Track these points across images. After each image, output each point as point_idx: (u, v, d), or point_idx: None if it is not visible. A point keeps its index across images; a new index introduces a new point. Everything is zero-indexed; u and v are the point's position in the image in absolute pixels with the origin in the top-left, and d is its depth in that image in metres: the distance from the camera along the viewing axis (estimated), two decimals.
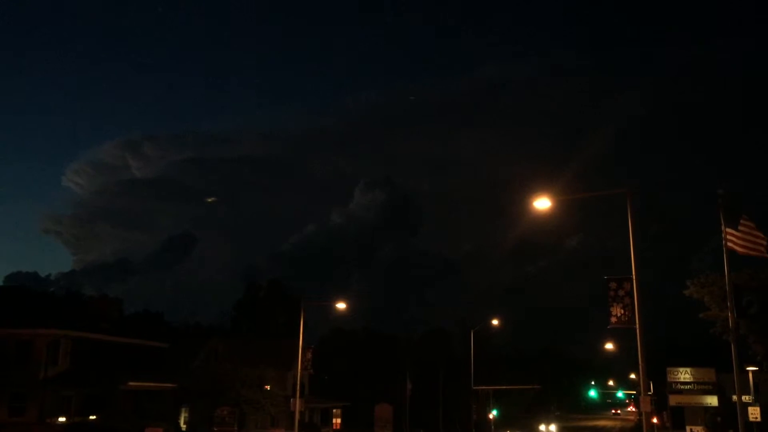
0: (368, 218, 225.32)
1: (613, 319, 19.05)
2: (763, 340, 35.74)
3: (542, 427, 76.50)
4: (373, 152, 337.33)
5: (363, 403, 63.68)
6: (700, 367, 37.08)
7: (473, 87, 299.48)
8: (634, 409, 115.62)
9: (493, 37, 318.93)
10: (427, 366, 75.26)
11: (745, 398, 32.46)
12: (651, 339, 22.17)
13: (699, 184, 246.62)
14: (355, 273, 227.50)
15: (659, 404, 58.95)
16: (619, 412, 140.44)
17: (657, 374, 43.56)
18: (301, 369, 44.23)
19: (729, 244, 20.63)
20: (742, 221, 20.20)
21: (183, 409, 49.80)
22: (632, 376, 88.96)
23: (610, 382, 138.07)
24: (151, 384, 44.40)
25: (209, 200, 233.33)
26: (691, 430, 38.50)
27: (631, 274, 19.05)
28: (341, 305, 43.97)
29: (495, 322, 71.71)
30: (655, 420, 59.47)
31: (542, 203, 19.51)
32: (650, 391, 28.93)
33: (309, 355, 45.45)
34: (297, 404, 43.20)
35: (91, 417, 40.66)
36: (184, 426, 49.64)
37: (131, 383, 41.74)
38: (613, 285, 19.17)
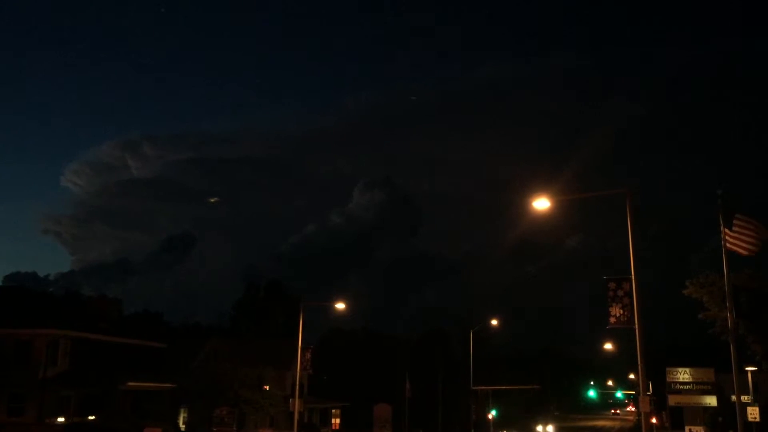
0: (368, 218, 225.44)
1: (612, 320, 19.04)
2: (762, 340, 35.75)
3: (539, 428, 76.46)
4: (373, 152, 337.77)
5: (362, 403, 63.68)
6: (700, 367, 37.03)
7: (473, 87, 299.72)
8: (633, 409, 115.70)
9: (493, 37, 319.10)
10: (426, 366, 75.27)
11: (744, 398, 32.49)
12: (650, 339, 22.17)
13: (699, 184, 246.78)
14: (354, 273, 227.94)
15: (658, 404, 58.97)
16: (618, 412, 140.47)
17: (656, 374, 43.55)
18: (301, 369, 44.21)
19: (728, 244, 20.65)
20: (735, 220, 20.22)
21: (182, 409, 49.81)
22: (631, 376, 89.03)
23: (610, 383, 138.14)
24: (150, 384, 44.40)
25: (211, 200, 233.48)
26: (690, 430, 38.45)
27: (630, 275, 19.04)
28: (340, 305, 44.00)
29: (494, 322, 71.75)
30: (654, 420, 59.49)
31: (541, 203, 19.51)
32: (649, 391, 28.96)
33: (308, 356, 45.39)
34: (296, 404, 43.21)
35: (90, 417, 40.65)
36: (183, 426, 49.63)
37: (130, 383, 41.74)
38: (612, 285, 19.15)
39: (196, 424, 48.77)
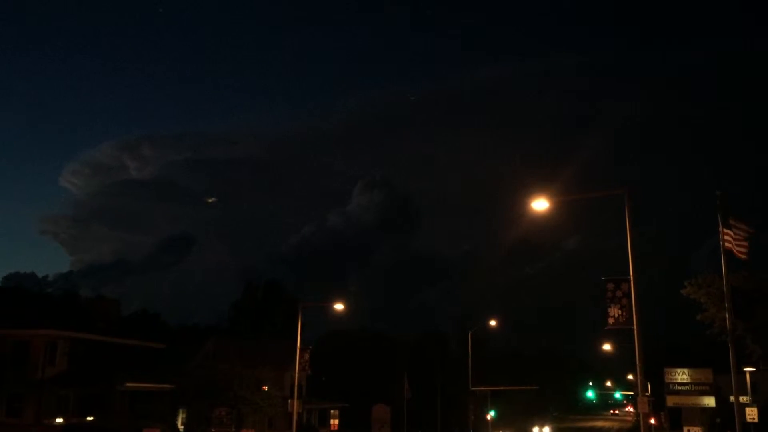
0: (367, 219, 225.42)
1: (611, 320, 19.05)
2: (761, 340, 35.72)
3: (536, 429, 76.38)
4: (372, 153, 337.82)
5: (361, 404, 63.63)
6: (698, 368, 37.08)
7: (473, 87, 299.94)
8: (632, 410, 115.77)
9: (493, 37, 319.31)
10: (425, 367, 75.21)
11: (743, 399, 32.56)
12: (649, 340, 22.19)
13: (698, 184, 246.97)
14: (353, 274, 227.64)
15: (657, 405, 59.00)
16: (617, 412, 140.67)
17: (655, 375, 43.56)
18: (299, 370, 44.19)
19: (726, 245, 20.70)
20: (731, 222, 20.31)
21: (180, 410, 49.77)
22: (630, 376, 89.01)
23: (608, 383, 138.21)
24: (149, 385, 44.37)
25: (209, 200, 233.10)
26: (688, 430, 38.54)
27: (629, 275, 19.05)
28: (339, 306, 43.99)
29: (493, 322, 71.72)
30: (652, 421, 59.52)
31: (540, 204, 19.52)
32: (648, 391, 28.97)
33: (306, 356, 45.40)
34: (295, 405, 43.18)
35: (89, 418, 40.61)
36: (182, 427, 49.60)
37: (129, 384, 41.72)
38: (610, 286, 19.16)
39: (194, 424, 48.73)
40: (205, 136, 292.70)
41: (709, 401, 36.25)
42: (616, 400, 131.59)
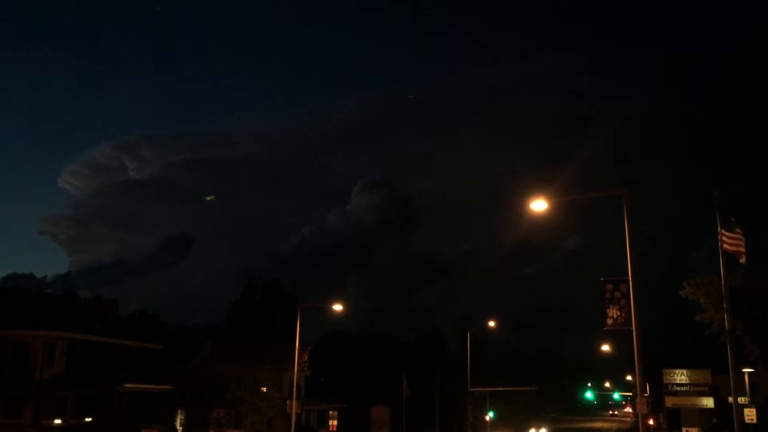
0: (366, 219, 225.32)
1: (610, 321, 19.04)
2: (759, 341, 35.78)
3: (532, 431, 76.35)
4: (372, 153, 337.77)
5: (359, 404, 63.62)
6: (696, 369, 37.09)
7: (472, 87, 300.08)
8: (630, 411, 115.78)
9: (493, 37, 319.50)
10: (424, 367, 75.21)
11: (741, 400, 32.58)
12: (647, 340, 22.19)
13: (698, 184, 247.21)
14: (352, 274, 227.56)
15: (655, 406, 58.99)
16: (616, 413, 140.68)
17: (653, 376, 43.55)
18: (298, 370, 44.14)
19: (725, 246, 20.71)
20: (731, 225, 20.33)
21: (179, 411, 49.72)
22: (629, 377, 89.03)
23: (607, 384, 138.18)
24: (147, 385, 44.33)
25: (208, 198, 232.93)
26: (687, 431, 38.54)
27: (628, 276, 19.05)
28: (338, 307, 43.96)
29: (492, 323, 71.74)
30: (651, 422, 59.49)
31: (539, 205, 19.52)
32: (646, 392, 28.93)
33: (305, 357, 45.32)
34: (293, 406, 43.14)
35: (87, 419, 40.56)
36: (180, 427, 49.56)
37: (127, 385, 41.68)
38: (609, 287, 19.15)
39: (192, 425, 48.67)
40: (205, 136, 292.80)
41: (708, 402, 36.25)
42: (614, 400, 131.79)
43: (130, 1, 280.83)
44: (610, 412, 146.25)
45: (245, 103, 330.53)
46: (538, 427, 79.90)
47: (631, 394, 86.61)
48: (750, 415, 33.58)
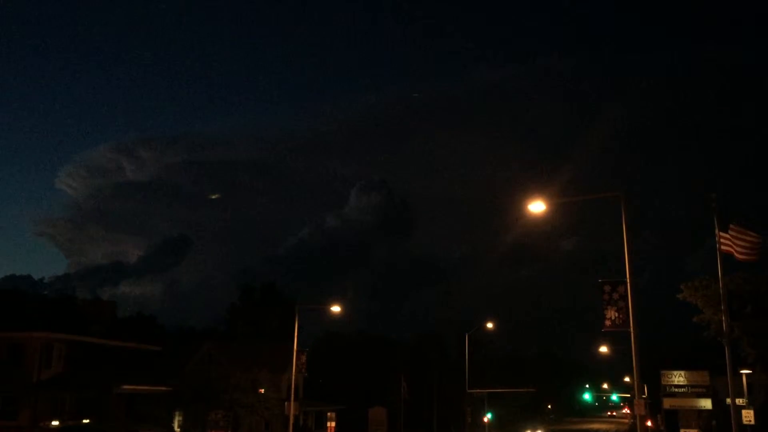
0: (364, 221, 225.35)
1: (608, 323, 19.05)
2: (757, 343, 35.76)
3: None
4: (370, 154, 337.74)
5: (357, 406, 63.56)
6: (694, 370, 37.16)
7: (470, 90, 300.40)
8: (628, 412, 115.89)
9: (492, 38, 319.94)
10: (422, 369, 75.18)
11: (739, 401, 32.56)
12: (645, 342, 22.20)
13: (695, 186, 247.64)
14: (350, 276, 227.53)
15: (654, 407, 58.97)
16: (614, 414, 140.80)
17: (651, 377, 43.58)
18: (296, 372, 44.11)
19: (723, 247, 20.71)
20: (731, 228, 20.30)
21: (177, 413, 49.61)
22: (627, 379, 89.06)
23: (605, 385, 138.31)
24: (145, 387, 44.24)
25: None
26: None
27: (626, 277, 19.06)
28: (336, 308, 43.93)
29: (490, 325, 71.72)
30: (649, 423, 59.48)
31: (537, 206, 19.53)
32: (644, 394, 28.95)
33: (303, 359, 45.30)
34: (291, 408, 43.12)
35: (85, 420, 40.45)
36: (178, 429, 49.46)
37: (125, 386, 41.58)
38: (607, 288, 19.16)
39: (190, 427, 48.60)
40: (202, 138, 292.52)
41: (706, 403, 36.33)
42: (613, 402, 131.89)
43: (128, 2, 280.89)
44: (609, 414, 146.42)
45: (243, 104, 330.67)
46: (534, 429, 79.86)
47: (629, 395, 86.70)
48: (748, 416, 33.59)
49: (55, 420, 38.76)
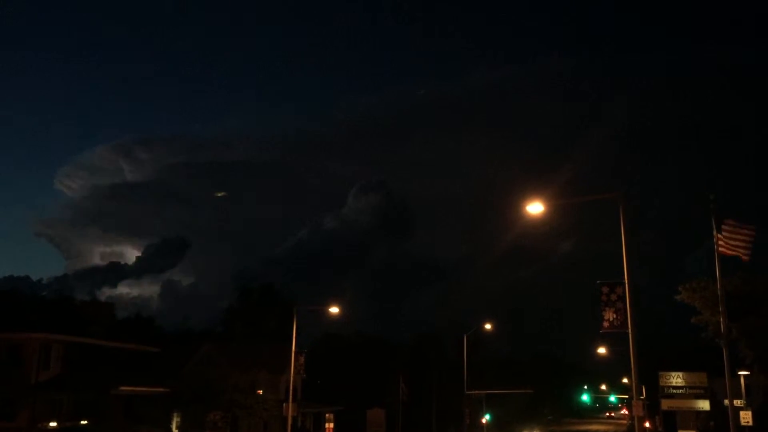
0: (363, 222, 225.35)
1: (606, 324, 19.06)
2: (755, 344, 35.84)
3: None
4: (369, 155, 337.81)
5: (356, 407, 63.53)
6: (692, 372, 37.15)
7: (470, 90, 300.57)
8: (626, 413, 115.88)
9: (492, 38, 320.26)
10: (420, 370, 75.15)
11: (737, 402, 32.60)
12: (644, 343, 22.23)
13: (695, 186, 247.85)
14: (349, 277, 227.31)
15: (652, 408, 59.05)
16: (613, 414, 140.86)
17: (649, 378, 43.60)
18: (294, 373, 44.11)
19: (720, 249, 20.75)
20: (724, 225, 20.34)
21: (175, 414, 49.57)
22: (625, 380, 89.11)
23: (603, 386, 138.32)
24: (143, 388, 44.19)
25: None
26: None
27: (624, 278, 19.07)
28: (334, 309, 43.94)
29: (488, 326, 71.70)
30: (647, 424, 59.57)
31: (535, 208, 19.54)
32: (643, 395, 28.98)
33: (302, 360, 45.31)
34: (290, 409, 43.11)
35: (83, 422, 40.44)
36: (176, 431, 49.42)
37: (123, 388, 41.53)
38: (605, 289, 19.17)
39: (188, 428, 48.55)
40: (201, 139, 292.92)
41: (704, 405, 36.32)
42: (611, 403, 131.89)
43: (126, 4, 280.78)
44: (607, 415, 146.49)
45: (242, 105, 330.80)
46: (530, 430, 79.83)
47: (627, 396, 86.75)
48: (746, 417, 33.58)
49: (53, 421, 38.71)
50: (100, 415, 40.64)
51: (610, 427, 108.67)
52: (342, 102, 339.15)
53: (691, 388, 36.28)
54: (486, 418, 70.76)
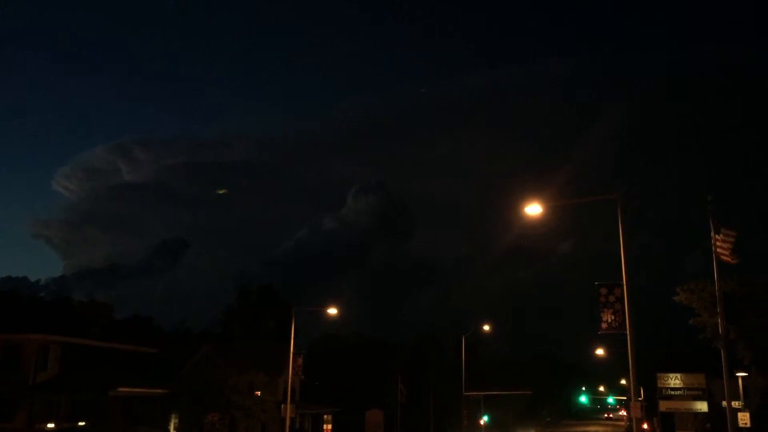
0: (361, 223, 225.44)
1: (604, 325, 19.09)
2: (753, 345, 35.85)
3: None
4: (367, 156, 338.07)
5: (354, 408, 63.51)
6: (690, 373, 37.15)
7: (470, 90, 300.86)
8: (624, 414, 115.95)
9: (492, 39, 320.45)
10: (418, 371, 75.13)
11: (735, 404, 32.58)
12: (642, 344, 22.23)
13: (694, 186, 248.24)
14: (347, 278, 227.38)
15: (650, 410, 59.02)
16: (611, 416, 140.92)
17: (647, 380, 43.59)
18: (292, 375, 44.08)
19: (719, 250, 20.77)
20: (723, 231, 20.39)
21: (173, 415, 49.52)
22: (623, 381, 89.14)
23: (601, 388, 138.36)
24: (141, 389, 44.15)
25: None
26: None
27: (622, 280, 19.08)
28: (332, 311, 43.91)
29: (486, 327, 71.72)
30: (645, 426, 59.55)
31: (533, 209, 19.55)
32: (641, 396, 28.99)
33: (300, 361, 45.30)
34: (288, 410, 43.08)
35: (81, 423, 40.39)
36: None
37: (121, 389, 41.49)
38: (603, 291, 19.19)
39: (186, 429, 48.50)
40: (199, 139, 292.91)
41: (702, 406, 36.32)
42: (609, 404, 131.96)
43: (126, 4, 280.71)
44: (605, 416, 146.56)
45: (241, 105, 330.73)
46: (526, 431, 79.79)
47: (625, 398, 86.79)
48: (744, 419, 33.55)
49: (51, 422, 38.67)
50: (99, 416, 40.60)
51: (609, 429, 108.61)
52: (342, 102, 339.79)
53: (689, 389, 36.28)
54: (484, 420, 70.75)
